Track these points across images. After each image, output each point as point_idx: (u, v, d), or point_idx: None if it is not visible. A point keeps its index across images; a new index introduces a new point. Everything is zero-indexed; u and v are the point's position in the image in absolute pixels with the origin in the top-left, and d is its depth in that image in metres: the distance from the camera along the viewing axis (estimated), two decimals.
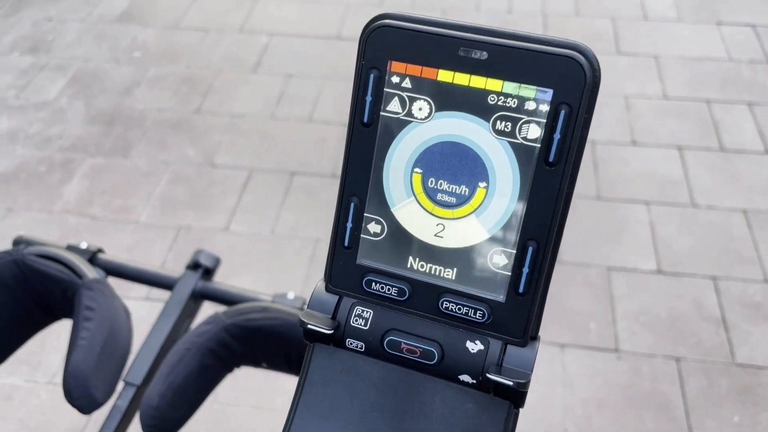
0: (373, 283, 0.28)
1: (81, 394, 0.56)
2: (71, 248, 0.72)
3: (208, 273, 0.74)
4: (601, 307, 1.37)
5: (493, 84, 0.25)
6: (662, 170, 1.65)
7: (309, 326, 0.28)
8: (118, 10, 2.25)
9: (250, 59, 2.02)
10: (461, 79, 0.25)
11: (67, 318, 0.66)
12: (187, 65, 2.01)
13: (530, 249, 0.26)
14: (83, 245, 0.73)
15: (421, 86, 0.26)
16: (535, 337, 0.28)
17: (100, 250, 0.74)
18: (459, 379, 0.28)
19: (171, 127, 1.81)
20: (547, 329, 1.34)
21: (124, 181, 1.66)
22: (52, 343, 1.29)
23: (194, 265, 0.73)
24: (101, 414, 0.61)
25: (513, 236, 0.27)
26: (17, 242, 0.75)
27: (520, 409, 0.28)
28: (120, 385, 0.62)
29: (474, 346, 0.28)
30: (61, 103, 1.90)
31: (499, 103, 0.25)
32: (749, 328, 1.32)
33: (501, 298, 0.27)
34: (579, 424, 1.20)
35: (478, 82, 0.25)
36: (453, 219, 0.27)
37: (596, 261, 1.45)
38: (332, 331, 0.28)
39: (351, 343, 0.29)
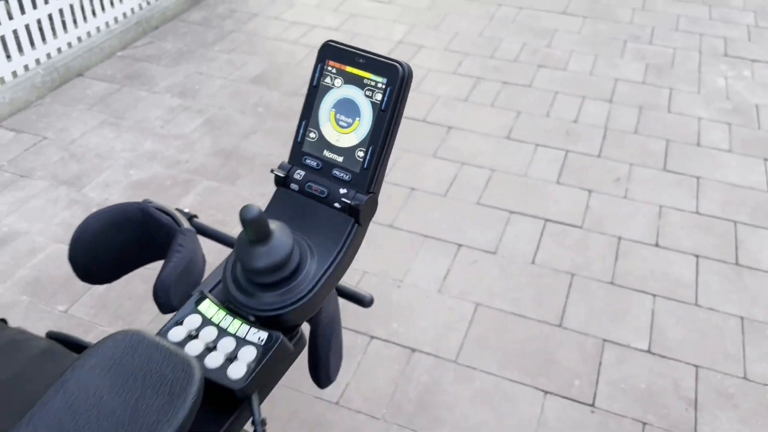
0: (307, 159, 0.61)
1: (163, 298, 0.69)
2: (178, 210, 1.08)
3: None
4: (589, 369, 1.58)
5: (366, 74, 0.59)
6: (676, 272, 1.85)
7: (275, 173, 0.61)
8: (253, 74, 2.77)
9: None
10: (354, 71, 0.59)
11: (161, 260, 0.99)
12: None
13: (371, 148, 0.59)
14: (186, 210, 1.09)
15: (339, 72, 0.60)
16: (373, 192, 0.60)
17: (195, 216, 1.10)
18: (335, 206, 0.60)
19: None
20: (535, 377, 1.57)
21: (227, 202, 2.08)
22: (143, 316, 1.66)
23: None
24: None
25: (366, 142, 0.59)
26: (144, 200, 1.12)
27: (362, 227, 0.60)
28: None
29: (344, 191, 0.59)
30: (194, 137, 2.39)
31: (367, 82, 0.59)
32: (717, 413, 1.48)
33: (357, 169, 0.59)
34: None
35: (361, 73, 0.59)
36: (344, 134, 0.60)
37: (595, 333, 1.67)
38: (284, 176, 0.61)
39: (291, 186, 0.61)
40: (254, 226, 0.51)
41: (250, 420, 0.62)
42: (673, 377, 1.56)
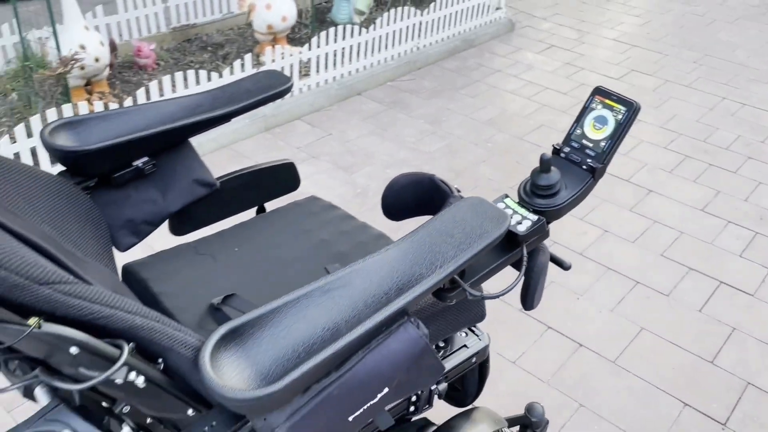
0: (572, 142, 1.11)
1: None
2: (442, 182, 1.63)
3: None
4: (728, 399, 1.87)
5: (616, 105, 1.07)
6: None
7: (554, 146, 1.12)
8: (488, 117, 3.36)
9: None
10: (609, 102, 1.08)
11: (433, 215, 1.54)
12: (517, 161, 2.98)
13: (610, 142, 1.07)
14: (455, 186, 1.64)
15: (599, 102, 1.09)
16: (605, 164, 1.08)
17: (459, 190, 1.64)
18: (583, 167, 1.09)
19: (493, 190, 2.77)
20: (679, 391, 1.89)
21: None
22: None
23: None
24: None
25: (608, 139, 1.07)
26: (431, 174, 1.69)
27: None
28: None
29: (590, 161, 1.08)
30: (435, 155, 3.01)
31: (615, 108, 1.07)
32: None
33: (600, 152, 1.08)
34: None
35: (613, 104, 1.08)
36: (597, 133, 1.09)
37: (741, 375, 1.94)
38: (558, 148, 1.11)
39: (561, 154, 1.10)
40: (545, 164, 1.02)
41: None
42: None
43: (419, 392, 1.19)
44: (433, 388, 1.21)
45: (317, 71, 3.32)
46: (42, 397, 0.81)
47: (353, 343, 0.79)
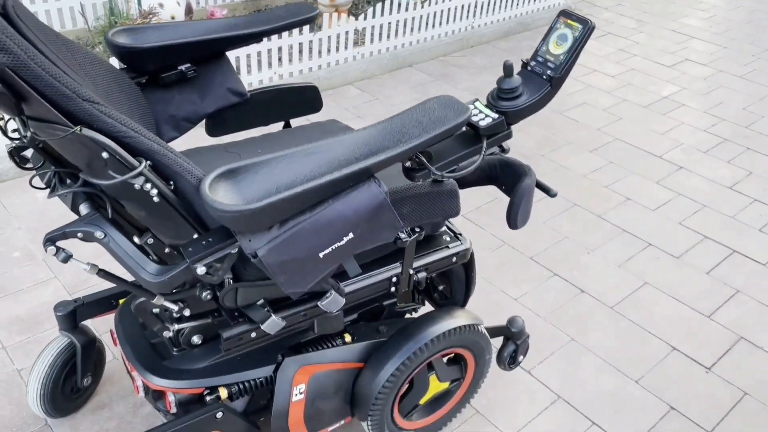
0: (538, 58, 1.27)
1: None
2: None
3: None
4: None
5: (575, 24, 1.23)
6: None
7: (522, 60, 1.29)
8: None
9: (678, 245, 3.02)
10: (570, 21, 1.24)
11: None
12: (553, 133, 3.10)
13: (569, 56, 1.23)
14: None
15: (563, 22, 1.25)
16: (562, 75, 1.23)
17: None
18: (543, 77, 1.25)
19: (522, 157, 2.91)
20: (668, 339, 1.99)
21: None
22: None
23: None
24: None
25: (567, 53, 1.23)
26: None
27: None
28: None
29: (549, 72, 1.24)
30: None
31: (574, 26, 1.23)
32: None
33: (559, 63, 1.24)
34: None
35: (572, 23, 1.24)
36: (558, 48, 1.25)
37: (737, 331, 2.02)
38: (525, 62, 1.27)
39: (528, 68, 1.26)
40: (507, 69, 1.20)
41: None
42: None
43: (398, 274, 1.39)
44: (411, 272, 1.40)
45: (371, 41, 3.54)
46: (84, 209, 1.07)
47: (323, 187, 1.00)
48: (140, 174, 0.93)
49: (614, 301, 2.13)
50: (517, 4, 4.20)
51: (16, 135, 1.07)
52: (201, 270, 1.01)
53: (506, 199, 1.41)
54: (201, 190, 0.94)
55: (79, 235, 1.02)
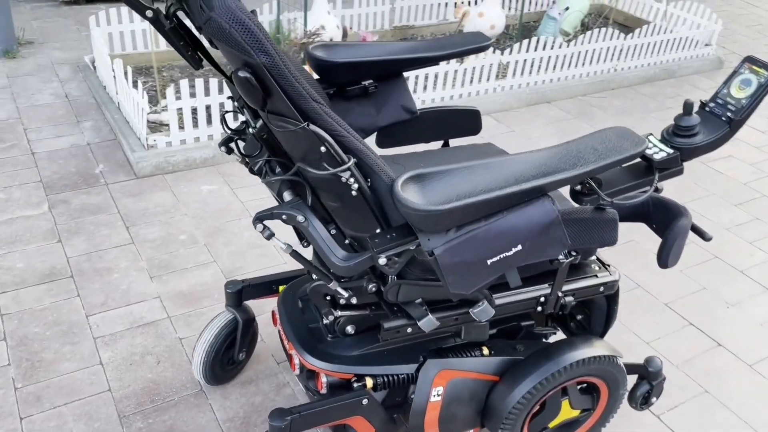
0: (718, 100, 1.29)
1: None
2: None
3: None
4: None
5: (761, 71, 1.25)
6: None
7: (701, 101, 1.32)
8: None
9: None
10: (756, 68, 1.25)
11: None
12: (695, 182, 3.02)
13: (751, 100, 1.25)
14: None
15: (747, 67, 1.27)
16: (742, 119, 1.25)
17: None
18: (722, 119, 1.27)
19: None
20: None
21: None
22: None
23: None
24: None
25: (750, 98, 1.26)
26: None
27: None
28: None
29: (730, 114, 1.26)
30: None
31: (760, 73, 1.24)
32: None
33: (740, 107, 1.26)
34: None
35: (759, 70, 1.25)
36: (741, 92, 1.27)
37: None
38: (703, 103, 1.30)
39: (706, 108, 1.29)
40: (687, 108, 1.24)
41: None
42: None
43: (547, 295, 1.44)
44: (560, 294, 1.44)
45: (512, 75, 3.62)
46: (288, 196, 1.21)
47: (502, 199, 1.08)
48: (348, 169, 1.06)
49: (754, 359, 2.05)
50: (664, 51, 4.14)
51: (232, 128, 1.24)
52: (382, 261, 1.12)
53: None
54: (394, 189, 1.05)
55: (284, 217, 1.16)
